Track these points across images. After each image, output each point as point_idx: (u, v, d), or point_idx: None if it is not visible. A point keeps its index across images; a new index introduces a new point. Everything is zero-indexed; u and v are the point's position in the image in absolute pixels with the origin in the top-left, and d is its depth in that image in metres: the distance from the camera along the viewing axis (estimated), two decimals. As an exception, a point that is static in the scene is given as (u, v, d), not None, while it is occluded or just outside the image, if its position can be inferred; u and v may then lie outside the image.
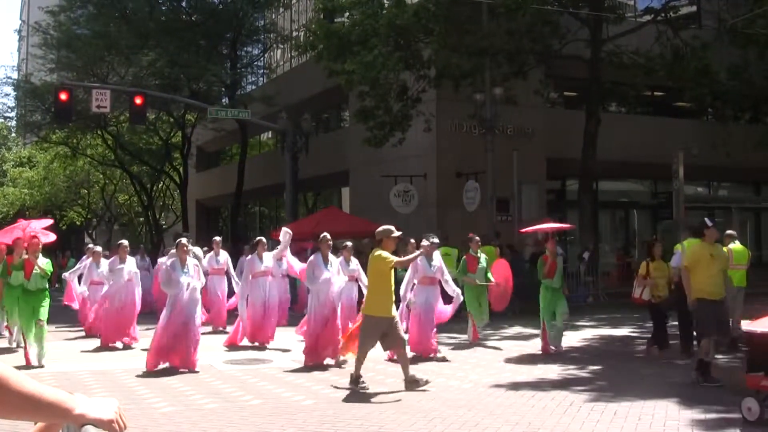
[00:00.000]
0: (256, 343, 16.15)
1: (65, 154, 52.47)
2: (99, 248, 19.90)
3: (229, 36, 39.71)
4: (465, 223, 24.53)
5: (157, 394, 10.92)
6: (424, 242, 14.24)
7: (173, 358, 13.02)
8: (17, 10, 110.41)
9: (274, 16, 43.31)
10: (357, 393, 10.84)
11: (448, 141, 28.52)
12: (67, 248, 51.79)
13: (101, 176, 56.84)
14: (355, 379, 11.22)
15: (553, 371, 12.60)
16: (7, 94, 48.62)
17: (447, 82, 25.72)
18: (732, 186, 38.18)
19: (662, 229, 32.46)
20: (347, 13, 27.34)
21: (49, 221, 18.66)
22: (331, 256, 13.90)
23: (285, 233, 15.21)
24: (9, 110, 51.07)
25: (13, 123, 60.04)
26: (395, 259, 11.50)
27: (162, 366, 13.00)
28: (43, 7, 43.04)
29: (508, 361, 14.04)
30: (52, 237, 15.23)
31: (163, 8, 40.41)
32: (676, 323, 14.56)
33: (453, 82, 25.35)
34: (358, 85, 25.65)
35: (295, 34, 40.38)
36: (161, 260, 19.40)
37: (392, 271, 11.49)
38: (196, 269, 13.66)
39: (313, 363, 13.28)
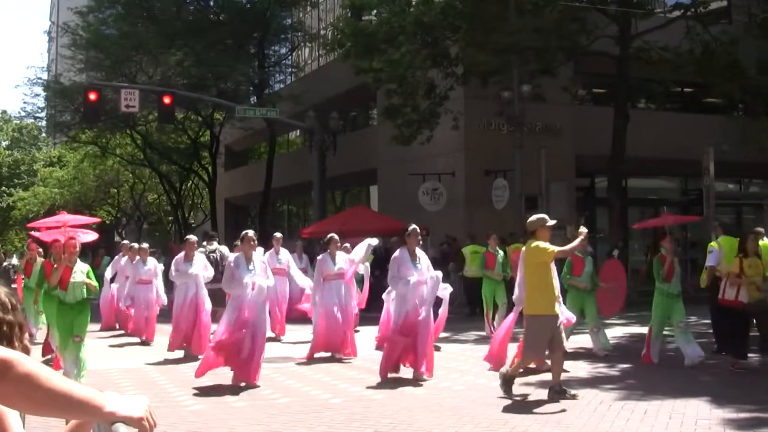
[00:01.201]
0: (337, 355, 14.08)
1: (95, 153, 52.87)
2: (145, 245, 18.94)
3: (256, 35, 39.82)
4: (493, 221, 24.47)
5: (186, 392, 10.97)
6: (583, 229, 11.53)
7: (235, 368, 11.45)
8: (47, 12, 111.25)
9: (301, 15, 43.39)
10: (387, 391, 10.82)
11: (476, 139, 28.44)
12: (99, 246, 52.11)
13: (130, 175, 57.20)
14: (559, 390, 9.92)
15: (582, 369, 12.52)
16: (37, 95, 49.03)
17: (474, 80, 25.67)
18: (763, 182, 37.79)
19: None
20: (374, 11, 27.35)
21: (94, 219, 18.26)
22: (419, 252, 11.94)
23: (368, 246, 14.41)
24: (39, 110, 51.44)
25: (43, 123, 60.57)
26: (556, 248, 10.11)
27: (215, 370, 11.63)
28: (72, 8, 43.35)
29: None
30: (92, 236, 13.96)
31: (191, 8, 40.66)
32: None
33: (480, 79, 25.30)
34: (385, 83, 25.66)
35: (322, 32, 40.41)
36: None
37: (552, 263, 10.24)
38: (263, 267, 11.96)
39: (389, 374, 11.69)
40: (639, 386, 10.83)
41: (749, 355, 12.36)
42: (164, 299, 17.89)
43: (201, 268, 15.15)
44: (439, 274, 12.14)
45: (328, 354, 14.07)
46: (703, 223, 23.33)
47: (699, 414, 9.01)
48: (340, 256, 14.36)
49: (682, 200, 35.15)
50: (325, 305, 13.95)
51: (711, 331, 14.42)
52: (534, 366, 11.47)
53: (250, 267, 11.64)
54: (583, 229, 11.20)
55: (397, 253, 11.86)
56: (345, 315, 14.10)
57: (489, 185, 27.42)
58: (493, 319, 17.10)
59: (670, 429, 8.40)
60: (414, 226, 12.03)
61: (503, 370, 10.49)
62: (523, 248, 10.52)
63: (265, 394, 10.86)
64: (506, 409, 9.50)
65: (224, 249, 17.11)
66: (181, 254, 15.27)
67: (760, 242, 14.72)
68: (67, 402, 2.17)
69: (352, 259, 14.36)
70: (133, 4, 38.89)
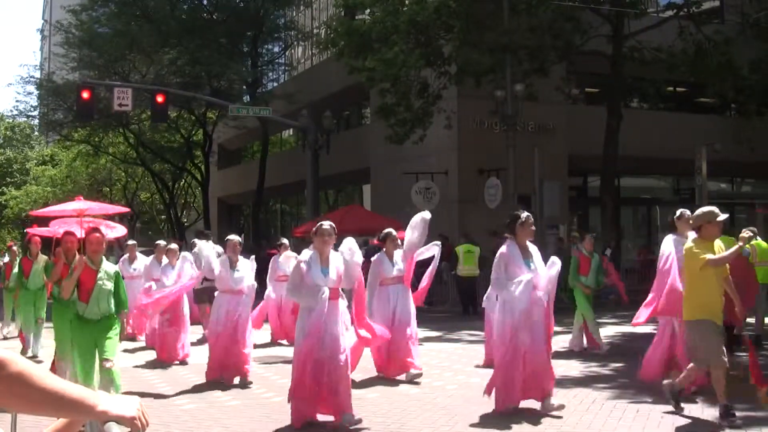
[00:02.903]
0: (408, 376, 11.57)
1: (87, 152, 52.79)
2: (174, 246, 16.03)
3: (250, 34, 39.85)
4: (486, 220, 24.51)
5: (178, 391, 10.96)
6: (744, 234, 10.26)
7: (320, 405, 8.83)
8: (40, 10, 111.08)
9: (294, 14, 43.41)
10: (380, 390, 10.81)
11: (469, 138, 28.47)
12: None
13: (123, 174, 57.15)
14: (726, 412, 8.47)
15: (574, 368, 12.54)
16: (29, 93, 49.03)
17: (468, 79, 25.67)
18: (755, 182, 37.89)
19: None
20: (368, 11, 27.33)
21: (121, 209, 17.35)
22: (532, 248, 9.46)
23: (423, 223, 11.86)
24: (32, 109, 51.44)
25: (36, 121, 60.49)
26: (709, 256, 8.36)
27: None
28: (65, 7, 43.35)
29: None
30: (120, 230, 12.40)
31: (184, 7, 40.64)
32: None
33: (474, 78, 25.31)
34: (379, 83, 25.65)
35: (316, 31, 40.43)
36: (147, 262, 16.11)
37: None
38: (338, 269, 8.97)
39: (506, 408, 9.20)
40: (632, 385, 10.84)
41: (741, 354, 12.37)
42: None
43: (249, 273, 12.18)
44: (556, 266, 9.45)
45: (417, 373, 11.50)
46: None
47: (691, 413, 9.02)
48: (397, 254, 11.94)
49: (674, 199, 35.22)
50: (382, 315, 11.52)
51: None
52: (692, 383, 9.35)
53: (326, 269, 8.83)
54: (747, 233, 10.56)
55: (503, 248, 9.23)
56: (403, 324, 11.65)
57: (482, 184, 27.45)
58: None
59: (662, 428, 8.42)
60: (527, 213, 9.49)
61: (669, 381, 9.25)
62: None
63: (258, 392, 10.87)
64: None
65: (218, 249, 16.17)
66: (225, 257, 12.08)
67: (754, 241, 14.82)
68: (60, 401, 2.17)
69: (420, 252, 12.10)
70: (127, 2, 38.87)
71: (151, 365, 13.59)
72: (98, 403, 2.23)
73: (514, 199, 25.33)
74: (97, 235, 9.00)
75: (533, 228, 9.32)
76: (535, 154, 26.30)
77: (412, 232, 11.79)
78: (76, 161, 55.04)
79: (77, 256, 9.28)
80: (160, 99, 26.83)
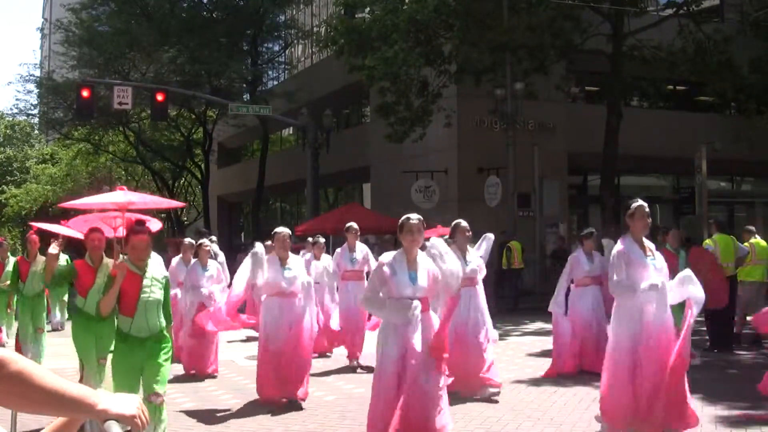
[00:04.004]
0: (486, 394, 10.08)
1: (87, 150, 52.70)
2: (206, 241, 13.33)
3: (249, 32, 39.81)
4: (486, 218, 24.50)
5: (178, 390, 10.96)
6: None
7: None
8: (40, 9, 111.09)
9: (294, 12, 43.36)
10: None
11: (469, 136, 28.46)
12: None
13: (123, 173, 57.06)
14: None
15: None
16: (29, 92, 48.89)
17: (467, 78, 25.66)
18: (755, 181, 37.89)
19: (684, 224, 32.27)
20: (368, 9, 27.33)
21: (168, 202, 14.25)
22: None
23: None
24: (31, 107, 51.29)
25: (36, 120, 60.40)
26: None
27: None
28: (65, 5, 43.34)
29: (530, 356, 14.00)
30: (157, 224, 9.81)
31: (184, 5, 40.56)
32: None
33: (474, 77, 25.31)
34: (378, 81, 25.64)
35: (315, 30, 40.38)
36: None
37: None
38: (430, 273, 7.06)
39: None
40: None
41: (740, 352, 12.39)
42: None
43: (301, 270, 10.35)
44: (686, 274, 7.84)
45: (496, 391, 10.19)
46: (696, 221, 23.40)
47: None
48: (472, 253, 10.73)
49: (674, 198, 35.23)
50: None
51: (704, 328, 14.45)
52: None
53: (414, 273, 7.01)
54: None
55: (620, 245, 7.70)
56: (477, 332, 10.31)
57: (482, 183, 27.43)
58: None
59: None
60: (640, 201, 7.91)
61: None
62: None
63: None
64: (499, 407, 9.51)
65: (215, 247, 14.50)
66: (272, 255, 10.10)
67: (753, 240, 14.87)
68: (60, 400, 2.18)
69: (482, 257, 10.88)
70: (127, 1, 38.81)
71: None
72: (98, 401, 2.23)
73: (514, 197, 25.38)
74: (141, 239, 7.00)
75: (649, 220, 7.76)
76: (535, 153, 26.36)
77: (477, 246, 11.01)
78: (76, 160, 54.96)
79: (108, 260, 8.18)
80: (159, 97, 26.83)
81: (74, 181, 56.45)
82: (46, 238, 10.44)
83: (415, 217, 7.13)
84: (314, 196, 31.01)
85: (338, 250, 13.81)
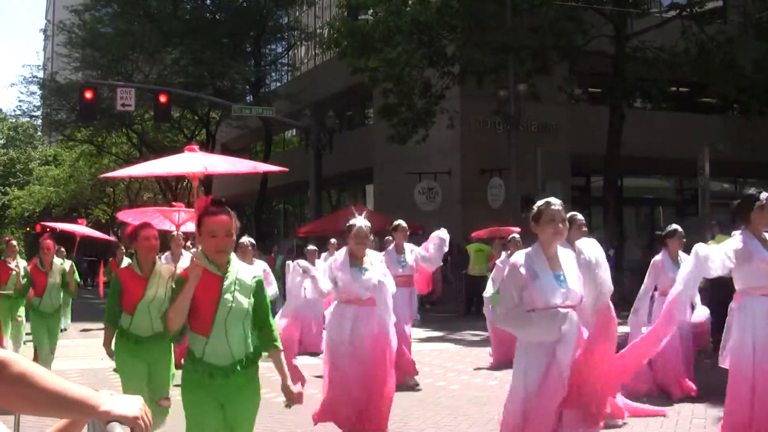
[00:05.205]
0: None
1: (90, 152, 52.82)
2: (246, 240, 11.57)
3: (252, 34, 39.87)
4: (489, 220, 24.48)
5: (180, 391, 10.91)
6: None
7: None
8: (43, 10, 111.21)
9: (297, 14, 43.38)
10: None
11: (472, 138, 28.47)
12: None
13: (125, 173, 57.09)
14: None
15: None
16: (32, 93, 49.00)
17: (470, 79, 25.66)
18: (758, 182, 37.80)
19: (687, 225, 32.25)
20: (371, 11, 27.34)
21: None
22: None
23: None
24: (35, 109, 51.44)
25: (39, 121, 60.51)
26: None
27: None
28: (68, 7, 43.38)
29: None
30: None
31: (187, 6, 40.66)
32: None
33: (476, 78, 25.31)
34: (381, 82, 25.66)
35: (318, 31, 40.40)
36: None
37: None
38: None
39: None
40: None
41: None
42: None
43: (379, 271, 8.11)
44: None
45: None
46: (699, 222, 23.35)
47: (694, 413, 9.01)
48: (407, 253, 10.60)
49: (677, 199, 35.22)
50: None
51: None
52: None
53: (563, 276, 5.53)
54: None
55: (738, 242, 6.86)
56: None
57: (485, 184, 27.42)
58: None
59: (665, 428, 8.40)
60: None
61: None
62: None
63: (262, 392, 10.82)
64: (502, 409, 9.47)
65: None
66: (342, 251, 8.33)
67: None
68: (63, 401, 2.17)
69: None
70: (130, 2, 38.88)
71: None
72: (101, 403, 2.23)
73: (517, 199, 25.34)
74: (226, 218, 4.94)
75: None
76: (538, 154, 26.29)
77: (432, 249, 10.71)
78: (79, 161, 55.05)
79: (164, 265, 6.76)
80: (163, 99, 26.83)
81: (77, 182, 56.52)
82: (60, 239, 9.30)
83: (557, 202, 5.81)
84: (317, 198, 31.01)
85: (383, 252, 10.80)
